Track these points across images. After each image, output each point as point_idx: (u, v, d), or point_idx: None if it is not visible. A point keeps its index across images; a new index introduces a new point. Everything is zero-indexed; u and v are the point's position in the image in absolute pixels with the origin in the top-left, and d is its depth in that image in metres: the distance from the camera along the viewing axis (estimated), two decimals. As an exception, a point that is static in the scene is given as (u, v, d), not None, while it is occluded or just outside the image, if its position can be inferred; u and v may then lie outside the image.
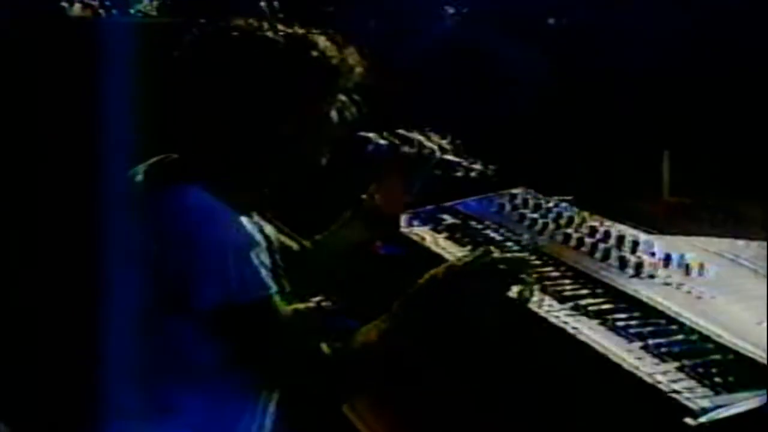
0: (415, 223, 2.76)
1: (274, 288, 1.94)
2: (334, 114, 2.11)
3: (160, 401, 2.00)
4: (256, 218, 2.08)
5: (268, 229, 2.13)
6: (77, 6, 3.54)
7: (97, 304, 2.03)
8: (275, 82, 2.00)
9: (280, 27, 2.04)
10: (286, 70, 2.01)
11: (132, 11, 3.60)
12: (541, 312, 2.14)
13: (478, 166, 2.49)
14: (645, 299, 2.16)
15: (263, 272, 1.93)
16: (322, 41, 2.06)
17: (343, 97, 2.12)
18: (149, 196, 2.03)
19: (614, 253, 2.39)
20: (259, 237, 1.97)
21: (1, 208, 3.46)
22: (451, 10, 3.94)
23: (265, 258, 1.95)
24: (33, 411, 3.00)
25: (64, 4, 3.52)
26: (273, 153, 2.04)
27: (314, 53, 2.03)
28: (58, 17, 3.63)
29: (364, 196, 2.42)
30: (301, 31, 2.06)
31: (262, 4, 2.08)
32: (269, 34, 2.02)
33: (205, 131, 2.03)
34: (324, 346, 1.97)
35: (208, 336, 1.94)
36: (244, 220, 1.97)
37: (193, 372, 1.98)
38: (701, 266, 2.31)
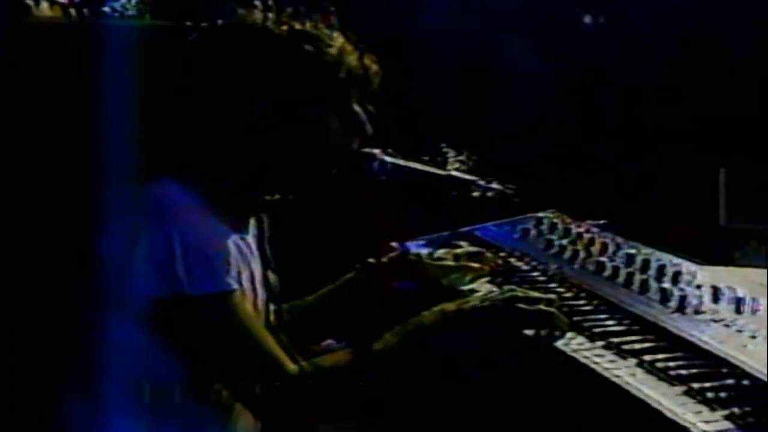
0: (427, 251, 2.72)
1: (233, 287, 2.00)
2: (334, 121, 2.12)
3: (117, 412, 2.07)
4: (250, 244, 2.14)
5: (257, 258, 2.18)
6: (44, 5, 3.58)
7: (50, 301, 2.11)
8: (259, 77, 2.05)
9: (282, 22, 2.10)
10: (272, 64, 2.06)
11: (106, 9, 3.65)
12: (570, 351, 2.10)
13: (495, 186, 2.47)
14: (689, 338, 2.13)
15: (220, 271, 1.98)
16: (325, 38, 2.10)
17: (356, 108, 2.16)
18: (126, 192, 2.16)
19: (654, 285, 2.36)
20: (230, 245, 2.04)
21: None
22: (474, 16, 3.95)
23: (230, 262, 2.01)
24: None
25: (30, 2, 3.56)
26: (260, 158, 2.09)
27: (308, 47, 2.06)
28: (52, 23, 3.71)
29: (370, 260, 2.48)
30: (301, 26, 2.10)
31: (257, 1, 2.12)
32: (265, 29, 2.09)
33: (189, 129, 2.11)
34: (293, 363, 2.03)
35: (158, 336, 2.01)
36: (219, 229, 2.04)
37: (149, 384, 2.05)
38: (754, 302, 2.27)
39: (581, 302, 2.34)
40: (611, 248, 2.59)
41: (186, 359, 2.04)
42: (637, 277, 2.40)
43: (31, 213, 3.35)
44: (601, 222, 2.73)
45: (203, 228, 2.02)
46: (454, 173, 2.61)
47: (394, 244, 2.64)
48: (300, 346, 2.17)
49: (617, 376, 2.00)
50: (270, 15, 2.11)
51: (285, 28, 2.09)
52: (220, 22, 2.13)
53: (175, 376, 2.05)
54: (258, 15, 2.11)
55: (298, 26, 2.10)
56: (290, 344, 2.11)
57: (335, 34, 2.11)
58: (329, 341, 2.60)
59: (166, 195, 2.06)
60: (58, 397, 2.13)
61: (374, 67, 2.16)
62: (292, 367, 2.03)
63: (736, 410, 1.85)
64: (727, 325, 2.18)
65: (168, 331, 2.02)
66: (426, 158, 2.63)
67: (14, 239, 3.36)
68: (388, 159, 2.46)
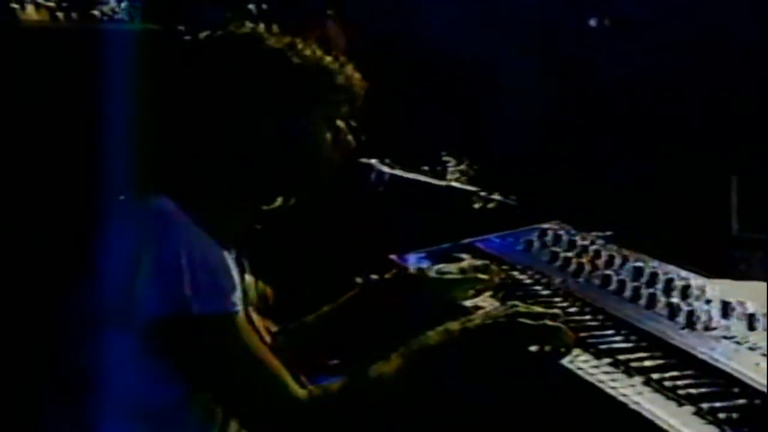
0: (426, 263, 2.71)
1: (237, 308, 2.03)
2: (322, 133, 2.18)
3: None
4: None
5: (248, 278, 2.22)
6: (30, 8, 3.59)
7: (48, 311, 2.21)
8: (245, 87, 2.10)
9: (270, 35, 2.17)
10: (258, 75, 2.11)
11: (95, 13, 3.66)
12: (574, 368, 2.09)
13: (497, 197, 2.46)
14: (699, 355, 2.11)
15: (226, 291, 2.02)
16: (313, 51, 2.17)
17: (340, 122, 2.21)
18: (124, 206, 2.17)
19: (662, 300, 2.35)
20: (229, 263, 2.07)
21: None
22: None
23: (235, 281, 2.05)
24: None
25: (15, 5, 3.57)
26: (251, 169, 2.12)
27: (296, 60, 2.13)
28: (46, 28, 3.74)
29: (373, 277, 2.49)
30: (288, 38, 2.17)
31: (251, 6, 2.18)
32: (255, 41, 2.15)
33: (179, 141, 2.15)
34: (299, 388, 2.04)
35: (163, 355, 2.02)
36: (219, 246, 2.07)
37: (152, 403, 2.05)
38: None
39: (587, 317, 2.33)
40: (618, 261, 2.58)
41: (190, 379, 2.05)
42: (645, 292, 2.39)
43: (31, 227, 3.37)
44: (608, 233, 2.72)
45: (207, 246, 2.05)
46: (454, 184, 2.60)
47: (392, 256, 2.63)
48: (299, 367, 2.16)
49: (624, 395, 1.98)
50: (258, 28, 2.17)
51: (273, 41, 2.15)
52: (211, 33, 2.17)
53: (178, 395, 2.06)
54: (247, 28, 2.17)
55: (285, 40, 2.15)
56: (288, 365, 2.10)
57: (319, 50, 2.17)
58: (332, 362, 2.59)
59: (166, 211, 2.07)
60: (58, 415, 2.15)
61: (360, 82, 2.21)
62: (300, 391, 2.04)
63: None
64: (738, 342, 2.17)
65: (173, 351, 2.03)
66: (425, 168, 2.63)
67: (15, 255, 3.37)
68: (385, 169, 2.47)
